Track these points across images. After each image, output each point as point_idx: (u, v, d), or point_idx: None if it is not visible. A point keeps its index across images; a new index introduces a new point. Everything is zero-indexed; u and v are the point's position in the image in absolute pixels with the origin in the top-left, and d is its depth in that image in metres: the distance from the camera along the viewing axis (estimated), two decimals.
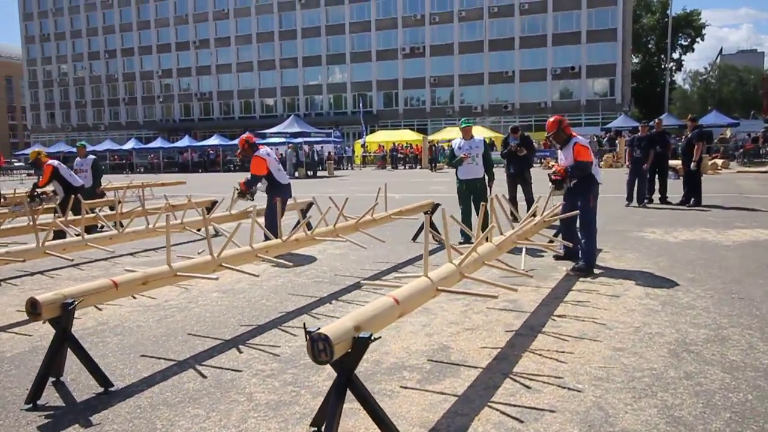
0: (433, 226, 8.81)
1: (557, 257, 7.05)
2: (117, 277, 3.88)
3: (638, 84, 61.91)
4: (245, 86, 61.90)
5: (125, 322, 5.02)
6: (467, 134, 8.38)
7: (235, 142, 41.78)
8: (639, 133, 12.54)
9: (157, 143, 46.20)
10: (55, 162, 9.88)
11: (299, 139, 32.26)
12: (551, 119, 6.63)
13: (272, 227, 6.95)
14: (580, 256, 6.48)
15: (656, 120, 13.20)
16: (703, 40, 66.32)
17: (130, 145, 46.75)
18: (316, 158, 32.65)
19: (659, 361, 3.83)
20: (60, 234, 7.34)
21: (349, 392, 2.74)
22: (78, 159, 11.38)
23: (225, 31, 62.14)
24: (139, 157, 47.60)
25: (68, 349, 3.58)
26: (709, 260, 6.86)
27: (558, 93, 51.97)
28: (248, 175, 7.92)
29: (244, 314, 5.19)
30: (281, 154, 38.04)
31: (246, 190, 7.95)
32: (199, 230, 8.11)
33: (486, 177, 8.26)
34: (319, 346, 2.60)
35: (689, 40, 65.77)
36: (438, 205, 8.80)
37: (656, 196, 12.72)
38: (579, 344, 4.19)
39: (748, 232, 8.78)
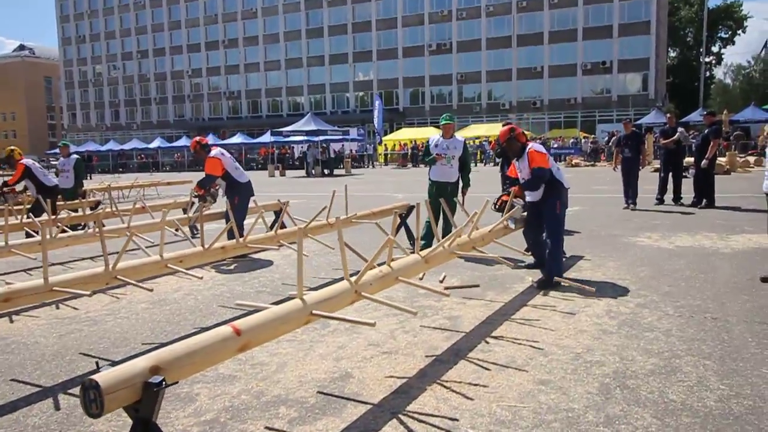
0: (408, 230, 8.28)
1: (529, 266, 6.45)
2: None
3: (675, 79, 59.75)
4: (273, 85, 62.10)
5: (26, 338, 4.64)
6: (447, 132, 7.66)
7: (259, 140, 41.97)
8: (623, 131, 11.54)
9: (182, 142, 46.59)
10: (29, 161, 9.74)
11: (319, 137, 31.87)
12: (504, 128, 6.03)
13: (237, 228, 6.54)
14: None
15: (668, 115, 12.32)
16: (744, 32, 63.74)
17: (156, 143, 47.28)
18: (332, 156, 32.24)
19: (583, 399, 3.24)
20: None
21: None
22: (61, 159, 11.20)
23: (254, 30, 62.45)
24: (165, 155, 48.14)
25: None
26: (697, 271, 6.15)
27: (588, 89, 50.40)
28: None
29: (155, 331, 4.76)
30: (303, 152, 37.87)
31: (204, 193, 7.58)
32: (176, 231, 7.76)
33: (461, 182, 7.61)
34: (90, 396, 2.13)
35: (729, 32, 63.23)
36: (413, 207, 8.22)
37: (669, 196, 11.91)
38: (500, 375, 3.62)
39: (753, 237, 8.01)
